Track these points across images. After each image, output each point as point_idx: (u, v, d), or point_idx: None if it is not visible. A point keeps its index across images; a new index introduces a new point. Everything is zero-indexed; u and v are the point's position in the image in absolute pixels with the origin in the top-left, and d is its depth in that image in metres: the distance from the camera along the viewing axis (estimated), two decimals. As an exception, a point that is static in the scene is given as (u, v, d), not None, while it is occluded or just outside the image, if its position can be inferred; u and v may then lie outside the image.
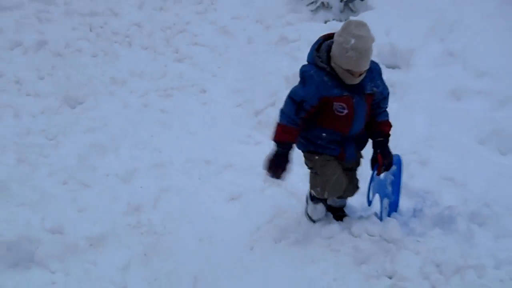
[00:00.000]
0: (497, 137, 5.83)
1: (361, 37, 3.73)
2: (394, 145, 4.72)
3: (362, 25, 3.80)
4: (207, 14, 8.23)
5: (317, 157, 4.46)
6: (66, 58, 7.67)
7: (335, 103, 4.07)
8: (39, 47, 7.88)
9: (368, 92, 4.11)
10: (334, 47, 3.92)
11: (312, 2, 7.79)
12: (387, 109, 4.45)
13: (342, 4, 7.69)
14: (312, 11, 7.75)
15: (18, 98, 7.08)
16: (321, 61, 4.00)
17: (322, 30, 7.15)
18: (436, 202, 5.08)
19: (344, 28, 3.83)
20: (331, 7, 7.69)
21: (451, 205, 4.97)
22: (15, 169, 6.00)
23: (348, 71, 3.90)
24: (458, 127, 6.04)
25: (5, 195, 5.59)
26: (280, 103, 6.20)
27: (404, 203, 5.08)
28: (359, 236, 4.66)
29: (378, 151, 4.35)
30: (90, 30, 8.15)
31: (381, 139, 4.39)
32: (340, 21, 7.51)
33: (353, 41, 3.71)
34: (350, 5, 7.69)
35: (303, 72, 4.15)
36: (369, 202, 4.82)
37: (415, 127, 6.19)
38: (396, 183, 4.78)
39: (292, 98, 4.18)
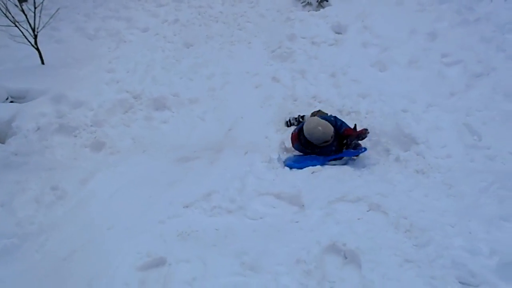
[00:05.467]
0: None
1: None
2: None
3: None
4: (255, 8, 8.63)
5: None
6: (187, 27, 8.27)
7: None
8: (175, 22, 8.47)
9: None
10: None
11: (303, 2, 8.23)
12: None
13: (317, 3, 8.11)
14: (303, 6, 8.19)
15: (165, 43, 7.78)
16: None
17: (306, 15, 7.94)
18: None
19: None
20: (312, 4, 8.14)
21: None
22: (160, 72, 7.02)
23: None
24: (363, 57, 6.80)
25: (155, 82, 6.76)
26: (283, 47, 7.37)
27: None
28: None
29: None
30: (199, 14, 8.64)
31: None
32: (316, 11, 8.03)
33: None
34: (321, 4, 8.09)
35: None
36: None
37: (342, 57, 6.84)
38: None
39: None
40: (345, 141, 4.85)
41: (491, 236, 3.46)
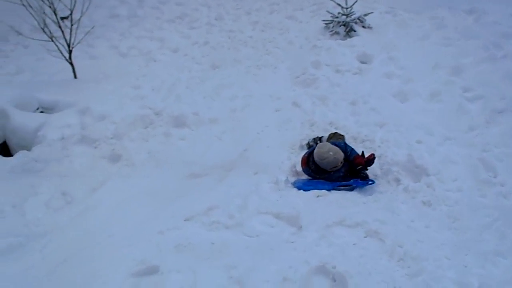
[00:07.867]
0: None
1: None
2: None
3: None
4: (284, 35, 8.88)
5: None
6: (216, 49, 8.58)
7: None
8: (205, 44, 8.85)
9: None
10: None
11: (331, 31, 8.38)
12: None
13: (345, 32, 8.23)
14: (331, 34, 8.35)
15: (192, 64, 8.13)
16: None
17: (333, 44, 8.07)
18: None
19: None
20: (339, 34, 8.28)
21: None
22: (184, 91, 7.31)
23: None
24: (385, 87, 6.93)
25: (178, 101, 7.01)
26: (307, 73, 7.48)
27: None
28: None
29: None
30: (229, 38, 8.97)
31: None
32: (343, 40, 8.20)
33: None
34: (348, 34, 8.19)
35: None
36: None
37: (365, 86, 6.96)
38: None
39: None
40: (358, 167, 4.89)
41: (485, 271, 3.42)
